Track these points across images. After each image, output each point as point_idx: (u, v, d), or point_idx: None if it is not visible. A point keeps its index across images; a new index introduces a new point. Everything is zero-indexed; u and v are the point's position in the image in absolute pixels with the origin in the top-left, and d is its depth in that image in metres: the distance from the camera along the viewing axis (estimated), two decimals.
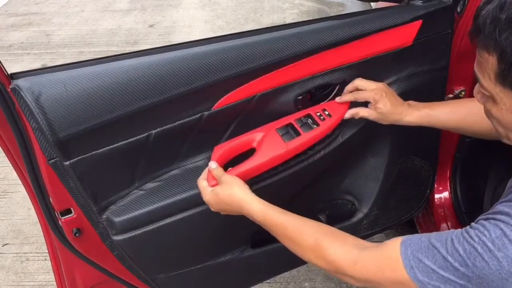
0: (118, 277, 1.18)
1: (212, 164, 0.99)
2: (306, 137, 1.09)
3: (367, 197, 1.42)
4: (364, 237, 1.54)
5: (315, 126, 1.10)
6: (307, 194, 1.31)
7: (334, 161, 1.24)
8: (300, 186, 1.24)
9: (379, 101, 1.07)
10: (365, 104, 1.11)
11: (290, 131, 1.10)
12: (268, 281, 1.82)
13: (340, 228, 1.39)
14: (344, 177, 1.41)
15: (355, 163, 1.38)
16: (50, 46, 3.67)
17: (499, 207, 0.72)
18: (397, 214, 1.55)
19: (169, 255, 1.18)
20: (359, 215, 1.43)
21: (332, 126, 1.13)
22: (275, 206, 0.93)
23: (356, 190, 1.42)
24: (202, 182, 0.98)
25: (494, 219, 0.69)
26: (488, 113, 0.77)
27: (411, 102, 1.11)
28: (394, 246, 0.76)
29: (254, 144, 1.09)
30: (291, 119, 1.12)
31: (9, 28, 3.98)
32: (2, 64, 0.83)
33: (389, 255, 0.76)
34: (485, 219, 0.71)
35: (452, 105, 1.10)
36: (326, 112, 1.12)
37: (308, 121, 1.11)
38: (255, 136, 1.09)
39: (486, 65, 0.69)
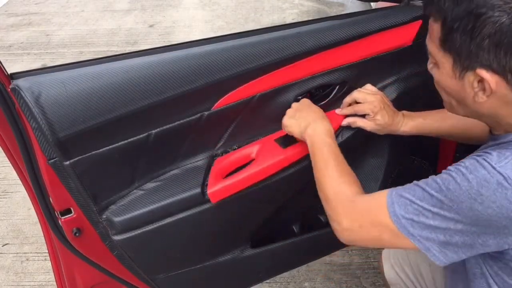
0: (118, 277, 1.18)
1: None
2: (303, 143, 1.10)
3: None
4: None
5: None
6: (307, 194, 1.31)
7: None
8: (300, 186, 1.24)
9: (377, 113, 1.09)
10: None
11: (287, 140, 1.13)
12: (268, 281, 1.82)
13: None
14: None
15: (355, 163, 1.38)
16: (50, 46, 3.67)
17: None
18: None
19: (169, 255, 1.18)
20: None
21: None
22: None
23: None
24: None
25: (469, 156, 0.76)
26: (435, 82, 0.84)
27: (405, 112, 1.13)
28: (383, 192, 0.83)
29: (253, 155, 1.11)
30: None
31: (9, 28, 3.98)
32: (2, 64, 0.83)
33: (378, 197, 0.83)
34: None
35: (443, 112, 1.11)
36: None
37: None
38: (253, 148, 1.12)
39: (433, 33, 0.77)
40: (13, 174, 1.96)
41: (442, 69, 0.78)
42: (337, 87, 1.16)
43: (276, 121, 1.15)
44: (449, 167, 0.75)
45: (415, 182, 0.80)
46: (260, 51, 1.00)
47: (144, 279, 1.20)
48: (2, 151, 0.94)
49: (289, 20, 3.82)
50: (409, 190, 0.78)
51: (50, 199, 0.98)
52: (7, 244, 2.10)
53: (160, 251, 1.16)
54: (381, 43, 1.12)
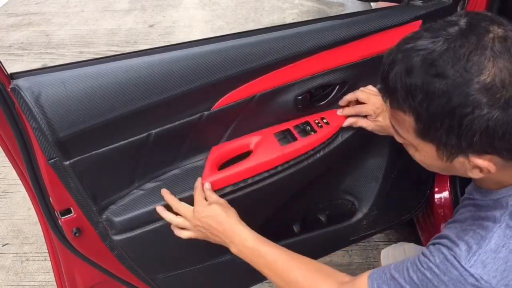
0: (118, 276, 1.18)
1: (207, 185, 1.01)
2: (302, 143, 1.11)
3: (367, 197, 1.42)
4: (364, 237, 1.54)
5: (312, 132, 1.13)
6: (307, 194, 1.31)
7: (334, 161, 1.24)
8: (300, 186, 1.24)
9: (379, 115, 1.08)
10: None
11: (287, 136, 1.12)
12: (268, 281, 1.82)
13: (340, 228, 1.42)
14: (344, 177, 1.41)
15: (355, 163, 1.38)
16: (50, 46, 3.67)
17: (444, 230, 0.76)
18: (397, 214, 1.55)
19: (168, 255, 1.18)
20: (359, 215, 1.43)
21: (330, 133, 1.15)
22: (264, 238, 0.93)
23: (356, 190, 1.42)
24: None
25: (438, 243, 0.73)
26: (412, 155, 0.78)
27: None
28: (363, 280, 0.79)
29: (251, 147, 1.10)
30: (289, 125, 1.13)
31: (9, 28, 3.98)
32: (2, 64, 0.83)
33: (358, 285, 0.79)
34: (432, 244, 0.74)
35: None
36: (325, 120, 1.14)
37: (306, 127, 1.13)
38: (253, 139, 1.11)
39: (404, 123, 0.70)
40: (13, 174, 1.96)
41: (422, 152, 0.73)
42: (337, 87, 1.16)
43: (276, 121, 1.15)
44: (421, 260, 0.72)
45: (391, 273, 0.76)
46: (260, 51, 1.00)
47: (144, 279, 1.20)
48: (2, 151, 0.95)
49: (289, 20, 3.82)
50: (389, 286, 0.75)
51: (50, 199, 0.98)
52: (7, 244, 2.10)
53: (160, 251, 1.16)
54: (381, 43, 1.12)
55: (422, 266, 0.72)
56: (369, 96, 1.10)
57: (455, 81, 0.61)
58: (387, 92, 0.70)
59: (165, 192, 1.00)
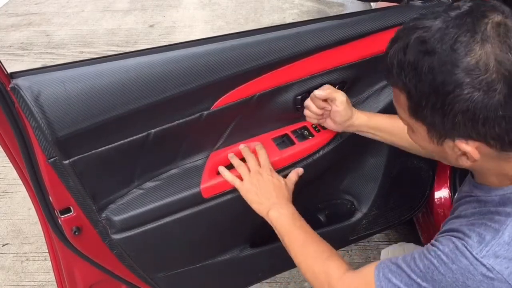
0: (118, 275, 1.18)
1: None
2: (300, 147, 1.13)
3: (367, 197, 1.42)
4: (364, 237, 1.54)
5: (310, 137, 1.14)
6: (307, 194, 1.31)
7: (334, 161, 1.25)
8: (299, 186, 1.24)
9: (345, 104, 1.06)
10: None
11: (285, 141, 1.14)
12: (268, 281, 1.82)
13: (340, 228, 1.42)
14: (344, 177, 1.41)
15: (355, 163, 1.38)
16: (50, 46, 3.67)
17: (449, 225, 0.77)
18: (397, 214, 1.55)
19: (168, 254, 1.18)
20: (359, 215, 1.43)
21: (328, 137, 1.16)
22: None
23: (355, 190, 1.43)
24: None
25: (448, 235, 0.74)
26: (412, 140, 0.80)
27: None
28: (370, 269, 0.81)
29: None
30: (287, 130, 1.14)
31: (9, 28, 3.98)
32: (2, 64, 0.83)
33: (365, 277, 0.81)
34: (441, 235, 0.75)
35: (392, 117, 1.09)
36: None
37: (304, 132, 1.14)
38: (251, 145, 1.12)
39: (399, 100, 0.72)
40: (13, 174, 1.95)
41: (417, 133, 0.74)
42: (337, 87, 1.16)
43: (276, 120, 1.15)
44: (429, 249, 0.73)
45: (398, 263, 0.77)
46: (260, 51, 1.00)
47: (144, 278, 1.21)
48: (2, 150, 0.95)
49: (289, 20, 3.82)
50: (395, 275, 0.76)
51: (50, 198, 0.98)
52: (7, 244, 2.10)
53: (160, 250, 1.16)
54: (380, 43, 1.12)
55: (430, 254, 0.72)
56: (331, 93, 1.06)
57: (441, 59, 0.63)
58: (386, 69, 0.71)
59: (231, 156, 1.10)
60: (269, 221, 1.03)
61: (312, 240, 0.97)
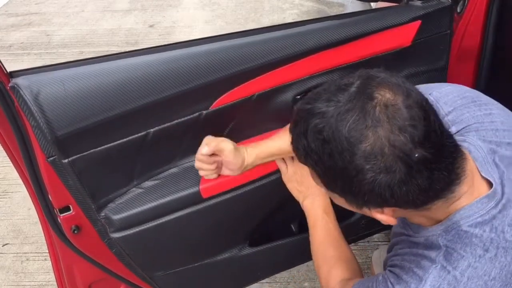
0: (117, 274, 1.19)
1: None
2: None
3: None
4: (363, 237, 1.54)
5: None
6: None
7: None
8: None
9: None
10: None
11: None
12: (268, 280, 1.82)
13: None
14: None
15: None
16: (50, 46, 3.67)
17: (392, 259, 0.83)
18: None
19: (167, 253, 1.19)
20: (358, 215, 1.43)
21: None
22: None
23: None
24: None
25: (390, 270, 0.80)
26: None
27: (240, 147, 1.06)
28: (350, 284, 0.91)
29: None
30: None
31: (9, 28, 3.98)
32: (1, 63, 0.83)
33: None
34: (389, 268, 0.82)
35: (281, 134, 1.08)
36: None
37: None
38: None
39: (313, 176, 0.75)
40: (13, 174, 1.95)
41: (336, 201, 0.77)
42: None
43: (275, 120, 1.15)
44: (378, 280, 0.80)
45: (369, 286, 0.82)
46: (259, 50, 1.00)
47: (143, 277, 1.21)
48: (2, 150, 0.95)
49: (289, 20, 3.82)
50: None
51: (50, 197, 0.98)
52: (7, 244, 2.10)
53: (159, 249, 1.16)
54: (380, 43, 1.12)
55: (380, 285, 0.79)
56: (220, 143, 1.02)
57: (338, 148, 0.64)
58: (295, 151, 0.73)
59: None
60: (303, 209, 1.11)
61: (329, 242, 1.05)
